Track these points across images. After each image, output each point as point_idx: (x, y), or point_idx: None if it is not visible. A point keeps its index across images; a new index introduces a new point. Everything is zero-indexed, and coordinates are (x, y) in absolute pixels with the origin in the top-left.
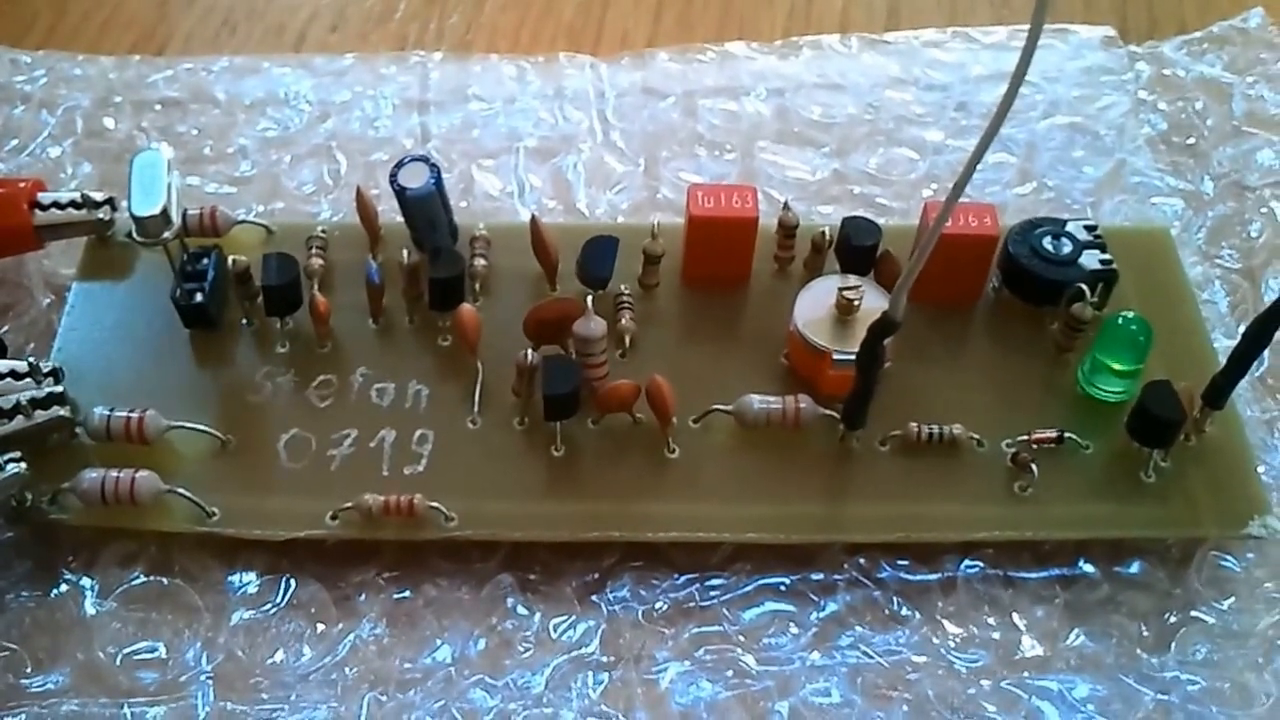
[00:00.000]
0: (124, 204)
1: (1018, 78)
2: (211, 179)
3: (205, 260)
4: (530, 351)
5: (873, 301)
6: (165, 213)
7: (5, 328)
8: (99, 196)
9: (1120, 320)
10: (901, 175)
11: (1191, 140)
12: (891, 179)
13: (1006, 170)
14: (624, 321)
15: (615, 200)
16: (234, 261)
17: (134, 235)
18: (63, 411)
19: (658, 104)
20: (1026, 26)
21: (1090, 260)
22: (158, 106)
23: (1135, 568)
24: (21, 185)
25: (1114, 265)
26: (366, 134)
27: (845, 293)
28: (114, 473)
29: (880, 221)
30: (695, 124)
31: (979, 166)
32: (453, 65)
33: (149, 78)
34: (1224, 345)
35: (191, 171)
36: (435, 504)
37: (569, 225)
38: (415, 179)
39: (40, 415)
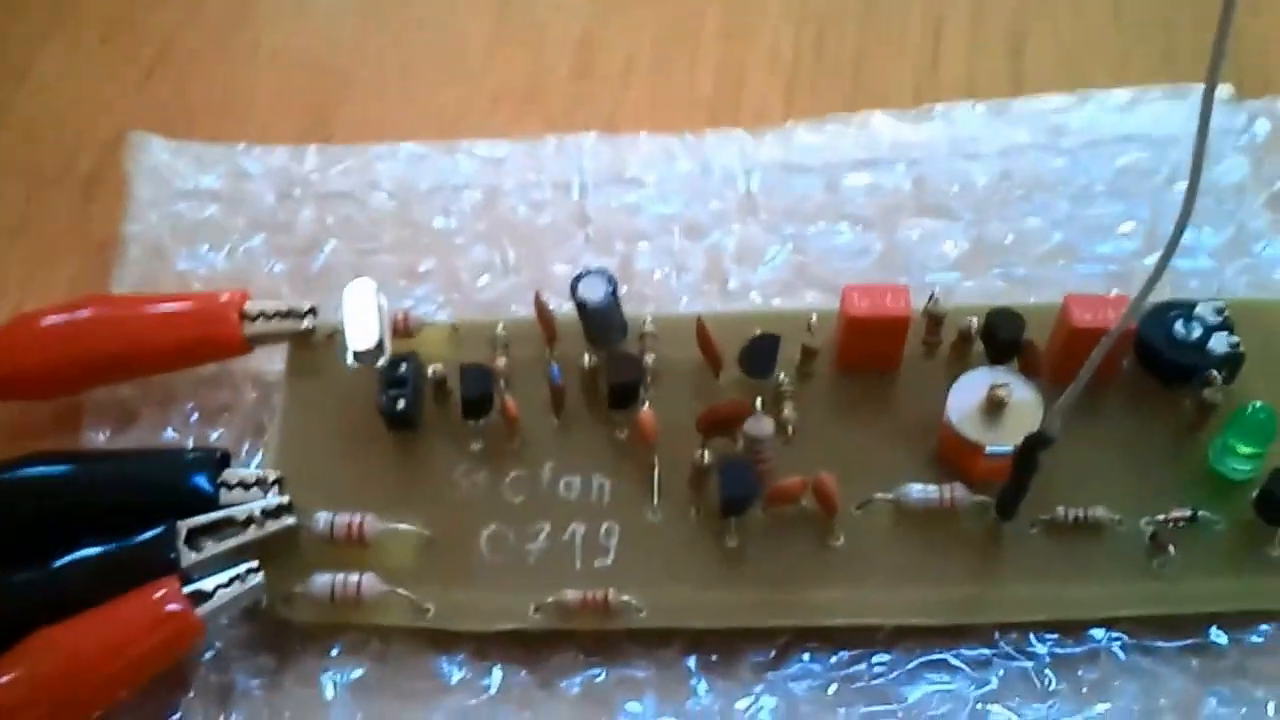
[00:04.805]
0: (325, 314)
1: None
2: (390, 271)
3: (404, 367)
4: (705, 452)
5: (1021, 394)
6: (380, 344)
7: (221, 430)
8: (302, 306)
9: (1249, 410)
10: (1038, 246)
11: None
12: (1028, 251)
13: (1135, 239)
14: (787, 412)
15: (767, 280)
16: (432, 371)
17: (348, 362)
18: (290, 520)
19: (801, 178)
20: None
21: (1219, 344)
22: (336, 200)
23: (1261, 636)
24: (227, 298)
25: (1241, 348)
26: (533, 220)
27: (996, 390)
28: (341, 576)
29: (1021, 298)
30: (838, 199)
31: (1102, 237)
32: (605, 145)
33: (324, 169)
34: None
35: (373, 265)
36: (626, 597)
37: (728, 316)
38: (595, 291)
39: (271, 525)
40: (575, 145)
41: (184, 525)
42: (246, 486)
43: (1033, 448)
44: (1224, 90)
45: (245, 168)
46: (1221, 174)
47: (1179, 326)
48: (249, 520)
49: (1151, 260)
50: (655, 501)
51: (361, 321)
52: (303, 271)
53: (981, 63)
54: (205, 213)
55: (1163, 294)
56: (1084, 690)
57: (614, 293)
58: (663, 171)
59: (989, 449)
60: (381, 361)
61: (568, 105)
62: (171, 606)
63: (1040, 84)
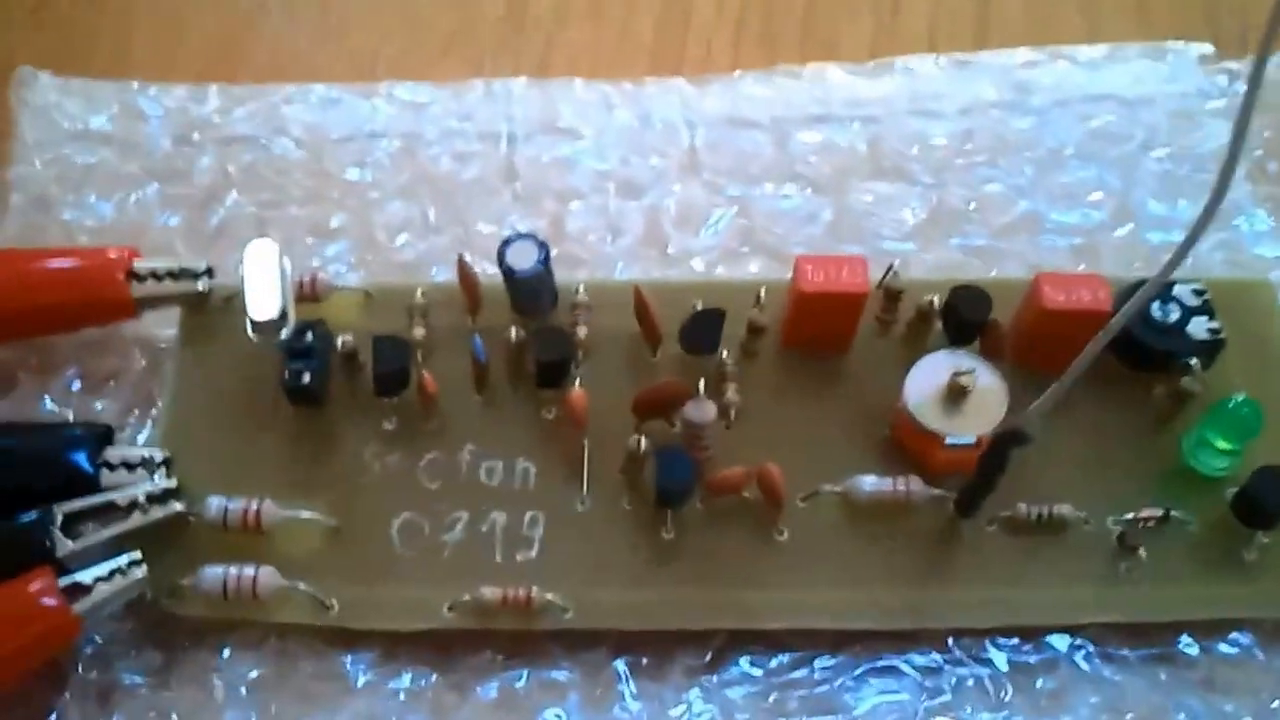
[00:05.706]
0: (223, 274)
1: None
2: (299, 226)
3: (310, 336)
4: (642, 439)
5: (985, 380)
6: (283, 314)
7: (105, 400)
8: (197, 266)
9: (1231, 404)
10: (1000, 215)
11: None
12: (990, 219)
13: (1104, 209)
14: (730, 394)
15: (710, 245)
16: (342, 342)
17: (249, 333)
18: (179, 506)
19: (748, 134)
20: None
21: (1198, 329)
22: (239, 146)
23: (1234, 645)
24: (115, 256)
25: (1222, 334)
26: (457, 173)
27: (959, 378)
28: (235, 569)
29: (981, 271)
30: (787, 158)
31: (1069, 205)
32: (535, 92)
33: (226, 111)
34: None
35: (278, 220)
36: (551, 595)
37: (668, 285)
38: (524, 259)
39: (157, 511)
40: (504, 91)
41: (61, 510)
42: (130, 467)
43: (1006, 445)
44: (1201, 48)
45: (140, 108)
46: (1199, 140)
47: (1156, 309)
48: (133, 505)
49: (1122, 233)
50: (585, 490)
51: (263, 287)
52: (200, 226)
53: (944, 12)
54: (95, 158)
55: (1136, 271)
56: (1043, 701)
57: (545, 260)
58: (599, 123)
59: (949, 439)
60: (284, 333)
61: (497, 46)
62: (46, 601)
63: (1007, 37)
